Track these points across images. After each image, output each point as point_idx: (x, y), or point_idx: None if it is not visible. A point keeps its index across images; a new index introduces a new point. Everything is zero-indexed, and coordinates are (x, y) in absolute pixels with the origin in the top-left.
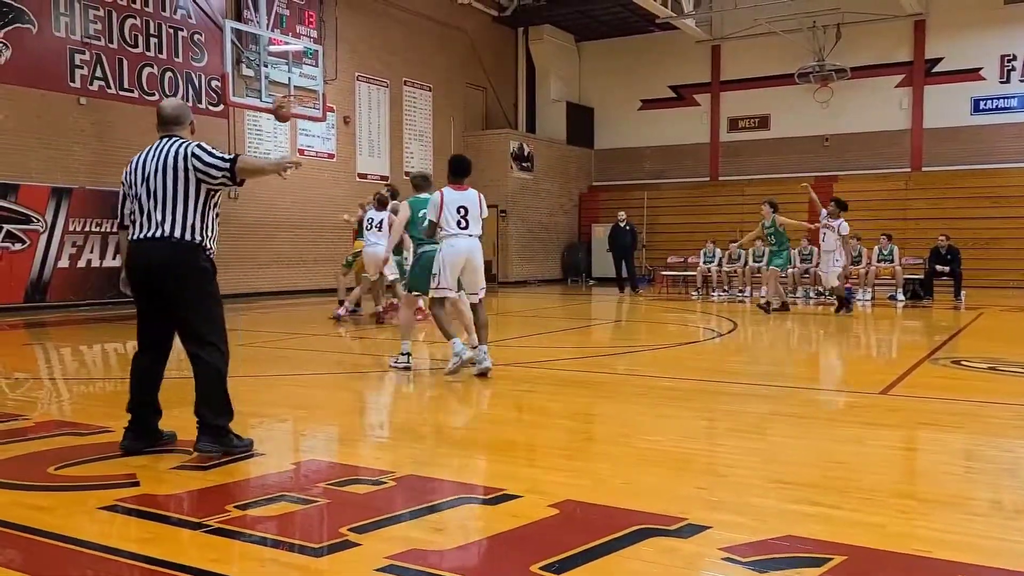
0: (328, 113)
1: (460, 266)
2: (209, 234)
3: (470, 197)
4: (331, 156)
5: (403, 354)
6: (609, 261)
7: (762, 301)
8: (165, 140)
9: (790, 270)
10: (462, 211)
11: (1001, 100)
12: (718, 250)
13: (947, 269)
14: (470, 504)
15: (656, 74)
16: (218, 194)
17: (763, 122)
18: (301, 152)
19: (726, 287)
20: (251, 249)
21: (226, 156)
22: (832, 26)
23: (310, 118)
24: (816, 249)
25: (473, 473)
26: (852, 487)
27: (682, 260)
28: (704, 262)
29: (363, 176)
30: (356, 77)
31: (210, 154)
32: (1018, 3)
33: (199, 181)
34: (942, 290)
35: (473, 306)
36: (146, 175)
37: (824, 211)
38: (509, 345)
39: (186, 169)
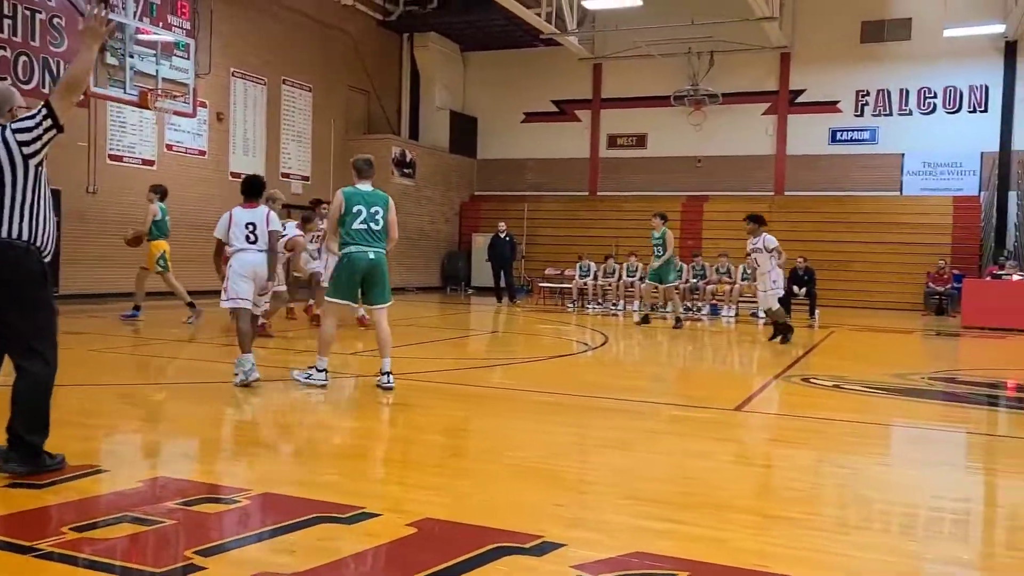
0: (200, 109)
1: (251, 278)
2: (40, 231)
3: (258, 214)
4: (202, 153)
5: (319, 370)
6: (488, 270)
7: (676, 316)
8: None
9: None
10: (250, 227)
11: (855, 132)
12: (592, 264)
13: (803, 291)
14: (326, 524)
15: (539, 88)
16: (43, 179)
17: (641, 141)
18: (169, 148)
19: (600, 300)
20: (111, 247)
21: (35, 109)
22: (706, 53)
23: (179, 113)
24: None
25: (333, 491)
26: (702, 503)
27: (559, 272)
28: (579, 276)
29: (236, 175)
30: (231, 73)
31: (23, 119)
32: (872, 43)
33: (25, 159)
34: (799, 309)
35: (249, 314)
36: None
37: (751, 240)
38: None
39: (10, 156)
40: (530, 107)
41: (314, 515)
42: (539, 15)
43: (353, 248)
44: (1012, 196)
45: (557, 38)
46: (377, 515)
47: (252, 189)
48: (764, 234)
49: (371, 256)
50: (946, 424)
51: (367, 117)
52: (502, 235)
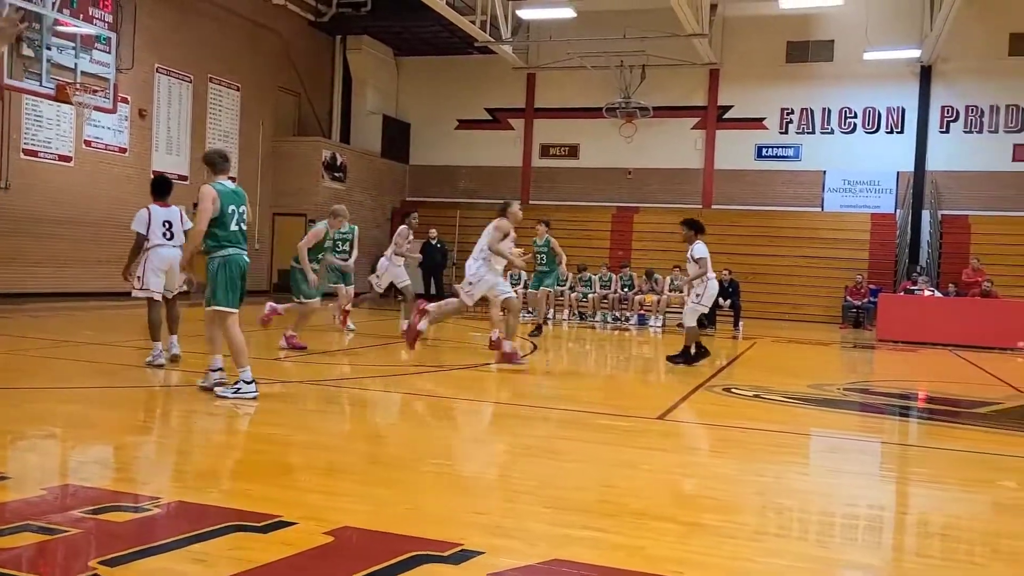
0: (121, 105)
1: (165, 271)
2: None
3: (174, 213)
4: (123, 150)
5: (247, 382)
6: (420, 277)
7: (537, 322)
8: None
9: (593, 294)
10: (167, 224)
11: (780, 149)
12: (523, 273)
13: (728, 302)
14: (239, 532)
15: (473, 95)
16: None
17: (573, 151)
18: (88, 144)
19: (531, 309)
20: (25, 246)
21: None
22: (638, 67)
23: (99, 108)
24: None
25: (248, 499)
26: (621, 511)
27: None
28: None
29: (158, 174)
30: (156, 69)
31: None
32: (797, 63)
33: None
34: (724, 321)
35: (168, 302)
36: None
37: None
38: (308, 361)
39: None
40: (464, 114)
41: (227, 524)
42: (474, 23)
43: (232, 250)
44: (925, 214)
45: (491, 46)
46: (293, 523)
47: (164, 188)
48: (697, 242)
49: (246, 258)
50: (860, 434)
51: (297, 119)
52: (434, 242)
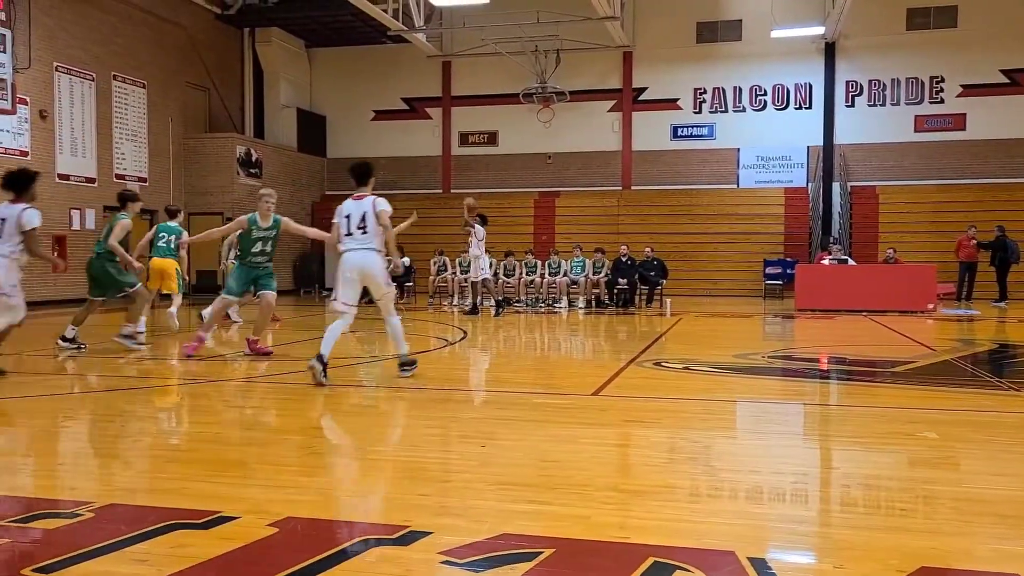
0: (19, 106)
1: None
2: None
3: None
4: (24, 154)
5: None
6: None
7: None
8: None
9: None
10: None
11: (694, 128)
12: (446, 259)
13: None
14: (179, 531)
15: (389, 85)
16: None
17: (492, 138)
18: None
19: (460, 297)
20: None
21: None
22: (552, 51)
23: None
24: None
25: (185, 497)
26: (564, 483)
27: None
28: (436, 272)
29: (64, 177)
30: (55, 67)
31: None
32: (707, 43)
33: None
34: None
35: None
36: None
37: None
38: (235, 357)
39: None
40: (380, 105)
41: (166, 523)
42: (386, 11)
43: None
44: (835, 186)
45: (405, 35)
46: (235, 518)
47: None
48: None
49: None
50: (785, 398)
51: (207, 115)
52: None
